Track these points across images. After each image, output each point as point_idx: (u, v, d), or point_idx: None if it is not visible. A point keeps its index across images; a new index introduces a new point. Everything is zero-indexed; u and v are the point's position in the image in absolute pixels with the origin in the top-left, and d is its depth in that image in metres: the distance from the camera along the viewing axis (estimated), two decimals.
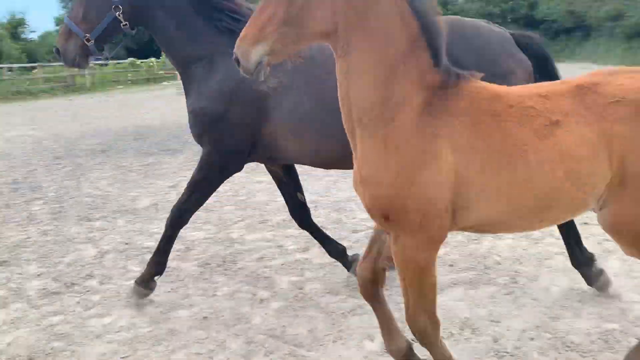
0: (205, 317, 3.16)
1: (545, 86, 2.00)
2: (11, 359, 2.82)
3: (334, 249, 3.55)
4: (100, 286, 3.67)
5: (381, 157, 1.86)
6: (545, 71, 3.09)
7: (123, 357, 2.76)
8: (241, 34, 1.76)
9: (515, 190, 1.84)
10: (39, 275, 3.91)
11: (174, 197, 6.23)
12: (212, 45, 2.99)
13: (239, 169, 3.17)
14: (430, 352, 2.11)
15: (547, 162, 1.81)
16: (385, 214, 1.88)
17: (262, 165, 3.62)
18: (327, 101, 2.65)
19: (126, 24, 3.07)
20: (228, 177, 3.18)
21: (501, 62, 2.97)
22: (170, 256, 3.40)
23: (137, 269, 3.82)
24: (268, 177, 4.08)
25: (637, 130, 1.79)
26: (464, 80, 1.90)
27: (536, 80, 2.91)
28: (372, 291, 2.25)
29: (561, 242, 3.24)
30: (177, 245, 4.37)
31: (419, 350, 2.28)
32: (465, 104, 1.86)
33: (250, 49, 1.74)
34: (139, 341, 2.89)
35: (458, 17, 3.36)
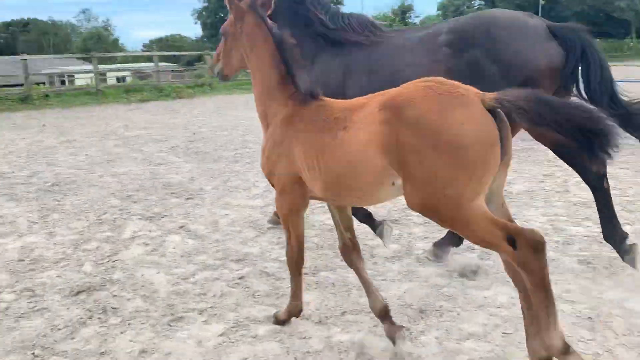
0: (589, 318, 3.05)
1: (358, 100, 2.64)
2: (405, 305, 3.35)
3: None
4: (480, 261, 3.94)
5: (264, 146, 2.96)
6: (585, 60, 3.33)
7: (505, 333, 2.93)
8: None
9: (323, 176, 2.60)
10: (424, 238, 4.50)
11: (549, 186, 6.06)
12: (313, 47, 4.16)
13: None
14: (292, 279, 3.11)
15: (337, 158, 2.52)
16: (269, 181, 3.00)
17: None
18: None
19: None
20: None
21: (523, 53, 3.37)
22: (550, 247, 3.41)
23: None
24: None
25: (397, 131, 2.25)
26: (314, 100, 2.82)
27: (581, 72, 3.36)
28: (350, 257, 3.01)
29: None
30: (554, 237, 4.30)
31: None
32: (308, 114, 2.76)
33: (214, 66, 3.59)
34: (519, 321, 2.96)
35: (497, 9, 3.85)
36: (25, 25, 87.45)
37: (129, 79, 38.92)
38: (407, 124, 2.22)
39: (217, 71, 3.52)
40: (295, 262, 3.01)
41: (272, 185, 2.98)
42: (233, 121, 12.72)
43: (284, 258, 3.16)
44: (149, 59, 55.66)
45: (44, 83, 33.66)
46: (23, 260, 4.36)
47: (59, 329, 3.22)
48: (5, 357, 2.94)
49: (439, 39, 3.68)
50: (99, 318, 3.35)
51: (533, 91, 2.20)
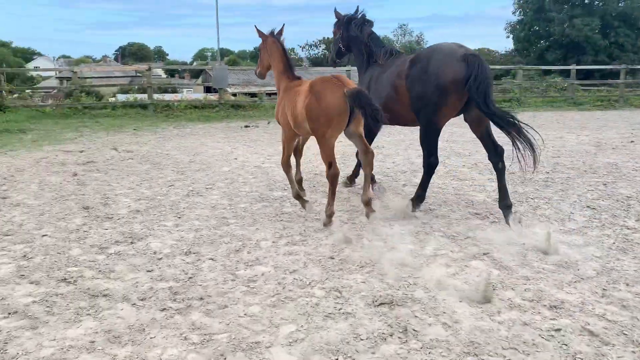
0: None
1: (308, 81, 5.47)
2: None
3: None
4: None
5: (278, 102, 5.91)
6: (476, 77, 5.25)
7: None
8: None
9: (292, 118, 5.43)
10: None
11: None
12: (365, 64, 6.87)
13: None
14: (289, 182, 6.17)
15: (295, 109, 5.34)
16: (278, 123, 5.91)
17: None
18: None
19: (344, 50, 7.26)
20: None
21: (437, 72, 5.47)
22: None
23: None
24: None
25: (310, 98, 5.12)
26: (296, 80, 5.77)
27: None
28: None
29: None
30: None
31: None
32: (291, 87, 5.62)
33: (256, 71, 6.49)
34: None
35: (444, 43, 5.87)
36: None
37: None
38: (313, 95, 5.08)
39: (257, 73, 6.44)
40: (284, 164, 5.98)
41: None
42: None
43: (612, 317, 2.79)
44: None
45: None
46: (333, 258, 4.62)
47: (362, 339, 3.21)
48: (312, 356, 3.04)
49: (409, 57, 6.04)
50: (399, 337, 3.23)
51: (358, 88, 5.05)
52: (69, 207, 6.36)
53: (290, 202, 6.57)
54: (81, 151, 10.36)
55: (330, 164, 5.21)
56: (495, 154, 5.71)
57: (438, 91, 5.45)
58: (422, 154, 6.25)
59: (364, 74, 6.78)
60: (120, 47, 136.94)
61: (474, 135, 6.00)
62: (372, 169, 5.62)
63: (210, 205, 6.44)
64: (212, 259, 4.63)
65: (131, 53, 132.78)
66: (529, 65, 37.44)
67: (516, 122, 5.26)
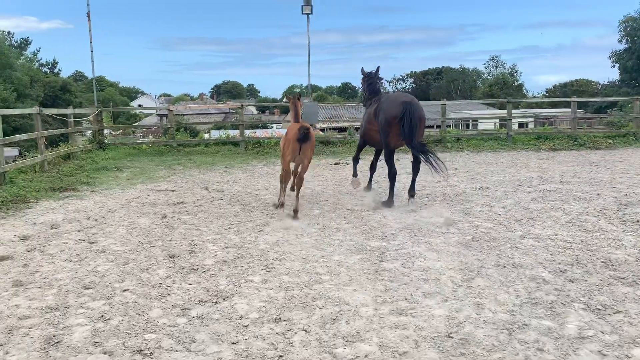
0: None
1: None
2: None
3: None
4: None
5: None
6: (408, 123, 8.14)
7: None
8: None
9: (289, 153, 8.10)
10: None
11: None
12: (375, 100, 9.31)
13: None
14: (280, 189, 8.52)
15: (291, 145, 7.93)
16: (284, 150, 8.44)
17: None
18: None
19: (367, 95, 9.75)
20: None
21: (385, 109, 8.46)
22: None
23: None
24: None
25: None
26: (299, 124, 8.12)
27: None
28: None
29: None
30: None
31: None
32: (294, 128, 8.04)
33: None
34: None
35: (401, 93, 9.68)
36: (438, 73, 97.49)
37: (531, 125, 38.04)
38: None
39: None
40: (282, 177, 8.36)
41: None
42: None
43: None
44: (552, 104, 53.61)
45: (449, 126, 36.30)
46: (451, 337, 3.78)
47: None
48: None
49: (381, 99, 9.02)
50: None
51: (303, 125, 7.99)
52: (154, 254, 5.99)
53: (391, 255, 5.80)
54: (172, 190, 10.25)
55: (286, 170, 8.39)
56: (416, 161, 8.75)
57: (386, 123, 8.47)
58: (534, 196, 8.99)
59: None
60: (215, 86, 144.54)
61: (589, 176, 9.73)
62: (298, 188, 8.18)
63: (301, 257, 5.81)
64: (305, 330, 3.95)
65: (225, 91, 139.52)
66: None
67: (428, 151, 8.31)
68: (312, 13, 16.39)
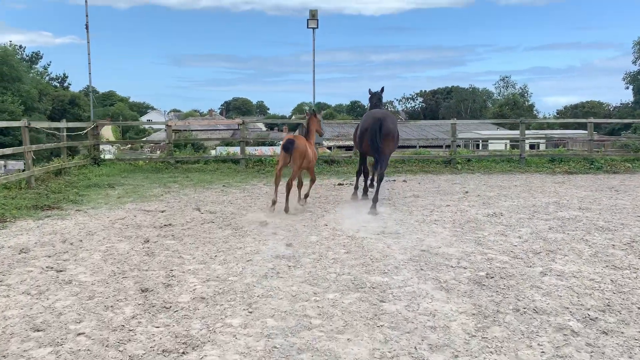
0: None
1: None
2: None
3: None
4: None
5: None
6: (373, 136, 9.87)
7: None
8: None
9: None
10: None
11: None
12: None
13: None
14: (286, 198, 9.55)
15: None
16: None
17: None
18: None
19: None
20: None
21: (360, 123, 10.76)
22: None
23: None
24: None
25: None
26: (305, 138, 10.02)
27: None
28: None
29: None
30: None
31: None
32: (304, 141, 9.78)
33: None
34: None
35: (377, 110, 10.65)
36: (448, 92, 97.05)
37: (542, 146, 37.24)
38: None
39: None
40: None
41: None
42: None
43: None
44: (564, 125, 52.79)
45: (458, 146, 35.57)
46: None
47: None
48: None
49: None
50: None
51: (289, 137, 9.75)
52: (125, 288, 5.29)
53: (394, 294, 5.07)
54: (162, 211, 9.58)
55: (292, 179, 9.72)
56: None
57: (361, 134, 10.37)
58: (552, 225, 8.43)
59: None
60: (225, 102, 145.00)
61: (610, 202, 9.65)
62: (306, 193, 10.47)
63: (290, 294, 5.10)
64: None
65: (235, 107, 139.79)
66: None
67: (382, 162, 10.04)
68: (317, 27, 15.87)
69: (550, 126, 48.83)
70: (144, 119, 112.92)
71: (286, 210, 9.40)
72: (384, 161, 10.07)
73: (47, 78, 76.09)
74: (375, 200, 9.72)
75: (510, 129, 52.18)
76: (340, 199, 10.98)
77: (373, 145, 9.83)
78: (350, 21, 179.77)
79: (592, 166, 15.85)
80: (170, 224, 8.42)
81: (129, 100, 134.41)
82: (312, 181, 10.59)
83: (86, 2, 16.47)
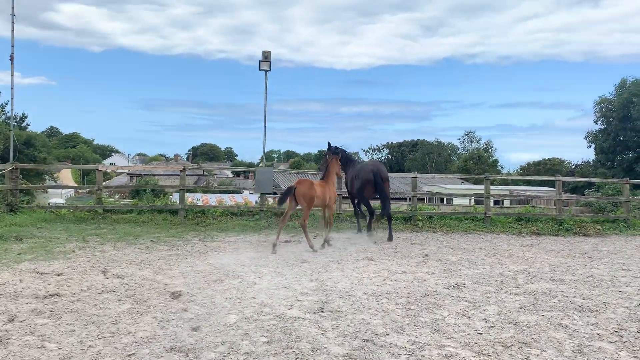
0: None
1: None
2: None
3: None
4: None
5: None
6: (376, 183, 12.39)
7: None
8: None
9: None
10: None
11: None
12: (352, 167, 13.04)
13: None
14: (305, 237, 10.70)
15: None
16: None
17: None
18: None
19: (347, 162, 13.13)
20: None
21: (360, 175, 12.52)
22: None
23: None
24: None
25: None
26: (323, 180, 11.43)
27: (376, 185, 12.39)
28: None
29: None
30: None
31: None
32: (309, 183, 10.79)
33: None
34: None
35: (373, 162, 13.66)
36: (414, 145, 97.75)
37: (506, 202, 36.65)
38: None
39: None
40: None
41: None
42: None
43: None
44: (527, 182, 52.85)
45: (422, 199, 34.71)
46: None
47: None
48: None
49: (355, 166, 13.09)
50: None
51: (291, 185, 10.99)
52: None
53: None
54: (59, 274, 7.88)
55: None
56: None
57: (364, 182, 12.54)
58: (522, 302, 7.14)
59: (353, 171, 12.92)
60: (192, 147, 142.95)
61: (585, 272, 9.28)
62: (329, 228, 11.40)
63: None
64: None
65: (203, 153, 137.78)
66: (617, 179, 33.42)
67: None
68: (269, 70, 14.72)
69: (515, 182, 48.70)
70: (107, 161, 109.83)
71: (311, 247, 10.55)
72: (388, 201, 12.59)
73: (3, 117, 73.24)
74: (390, 239, 12.31)
75: (474, 183, 51.94)
76: (282, 261, 9.46)
77: (378, 189, 12.34)
78: (322, 73, 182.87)
79: (561, 227, 14.80)
80: (57, 294, 6.75)
81: (92, 143, 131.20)
82: (329, 224, 11.42)
83: (12, 32, 15.00)
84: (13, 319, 5.64)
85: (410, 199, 16.94)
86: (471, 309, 6.69)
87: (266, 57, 14.52)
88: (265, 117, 15.41)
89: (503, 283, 8.26)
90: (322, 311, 6.35)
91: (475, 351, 5.12)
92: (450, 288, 7.81)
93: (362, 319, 6.08)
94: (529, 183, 52.58)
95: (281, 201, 11.04)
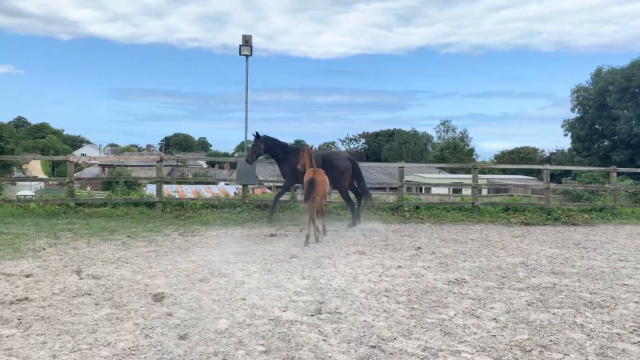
0: None
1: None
2: None
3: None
4: None
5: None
6: (355, 171, 12.63)
7: None
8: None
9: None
10: None
11: None
12: (284, 156, 12.87)
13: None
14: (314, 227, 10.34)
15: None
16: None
17: None
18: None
19: (263, 154, 13.06)
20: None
21: (335, 163, 12.29)
22: None
23: None
24: None
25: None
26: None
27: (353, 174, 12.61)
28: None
29: None
30: None
31: None
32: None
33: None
34: None
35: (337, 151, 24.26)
36: (390, 135, 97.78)
37: (484, 191, 36.67)
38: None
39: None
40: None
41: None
42: None
43: None
44: (502, 171, 53.19)
45: (409, 188, 34.49)
46: None
47: None
48: None
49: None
50: None
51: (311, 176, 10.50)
52: None
53: None
54: (28, 275, 7.20)
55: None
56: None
57: (342, 172, 12.58)
58: (529, 298, 6.43)
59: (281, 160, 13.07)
60: (165, 137, 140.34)
61: (584, 263, 8.94)
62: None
63: None
64: None
65: (176, 143, 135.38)
66: (596, 167, 33.70)
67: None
68: (251, 55, 14.05)
69: (490, 171, 48.92)
70: (77, 152, 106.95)
71: (316, 239, 10.40)
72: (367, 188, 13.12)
73: None
74: (354, 223, 12.54)
75: (450, 172, 52.04)
76: (269, 257, 8.92)
77: (358, 178, 12.76)
78: (296, 63, 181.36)
79: (550, 217, 14.59)
80: (27, 298, 6.10)
81: (62, 133, 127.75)
82: (322, 214, 11.55)
83: None
84: None
85: (394, 188, 16.51)
86: (477, 307, 6.27)
87: (247, 41, 13.84)
88: (246, 103, 14.78)
89: (504, 277, 7.88)
90: (319, 313, 5.85)
91: (493, 357, 4.69)
92: (450, 284, 7.39)
93: (365, 321, 5.60)
94: (504, 172, 52.95)
95: (308, 197, 10.20)
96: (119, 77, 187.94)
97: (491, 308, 6.24)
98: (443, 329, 5.42)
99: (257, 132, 12.81)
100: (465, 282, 7.52)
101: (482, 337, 5.22)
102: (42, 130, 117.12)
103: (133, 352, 4.59)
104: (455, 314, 5.96)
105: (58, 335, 4.94)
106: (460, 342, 5.07)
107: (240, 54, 14.04)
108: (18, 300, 6.02)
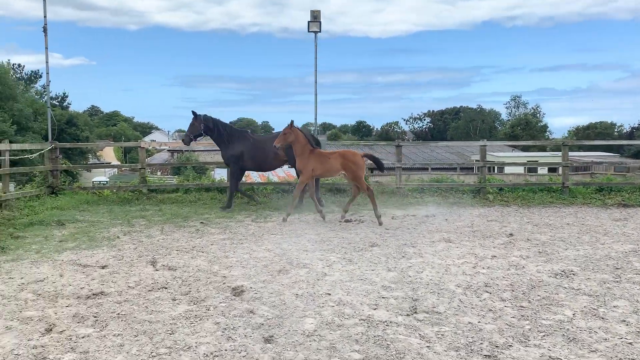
0: None
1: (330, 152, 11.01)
2: None
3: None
4: None
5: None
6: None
7: None
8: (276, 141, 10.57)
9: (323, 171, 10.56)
10: None
11: None
12: (227, 139, 12.04)
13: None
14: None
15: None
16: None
17: None
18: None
19: (202, 134, 12.04)
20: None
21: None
22: None
23: None
24: None
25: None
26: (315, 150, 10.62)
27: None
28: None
29: None
30: None
31: None
32: (316, 154, 10.50)
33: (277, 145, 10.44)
34: None
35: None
36: (456, 113, 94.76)
37: (559, 170, 34.54)
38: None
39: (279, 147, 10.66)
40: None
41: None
42: None
43: None
44: (579, 147, 50.00)
45: (472, 169, 33.04)
46: None
47: None
48: None
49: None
50: None
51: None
52: None
53: None
54: (104, 267, 6.98)
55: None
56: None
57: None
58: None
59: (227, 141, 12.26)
60: (230, 122, 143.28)
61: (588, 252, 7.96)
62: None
63: None
64: None
65: (240, 127, 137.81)
66: None
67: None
68: (320, 31, 13.43)
69: (571, 149, 46.10)
70: (147, 139, 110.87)
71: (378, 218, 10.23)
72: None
73: (45, 98, 74.36)
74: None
75: (522, 150, 49.50)
76: (348, 245, 8.33)
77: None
78: (356, 43, 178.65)
79: None
80: (102, 292, 5.82)
81: (132, 121, 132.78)
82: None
83: (44, 3, 14.08)
84: (50, 329, 4.70)
85: (464, 167, 15.45)
86: (597, 305, 5.42)
87: (315, 17, 13.21)
88: (315, 82, 14.25)
89: (617, 268, 6.91)
90: (415, 312, 5.20)
91: None
92: (557, 276, 6.53)
93: (470, 322, 4.90)
94: (579, 148, 49.83)
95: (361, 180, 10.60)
96: (184, 64, 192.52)
97: (615, 307, 5.37)
98: (565, 334, 4.64)
99: (193, 111, 11.80)
100: (574, 274, 6.62)
101: (615, 344, 4.40)
102: (113, 118, 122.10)
103: (216, 357, 4.13)
104: (574, 315, 5.14)
105: (135, 336, 4.57)
106: (591, 351, 4.27)
107: (308, 31, 13.42)
108: (94, 294, 5.75)
